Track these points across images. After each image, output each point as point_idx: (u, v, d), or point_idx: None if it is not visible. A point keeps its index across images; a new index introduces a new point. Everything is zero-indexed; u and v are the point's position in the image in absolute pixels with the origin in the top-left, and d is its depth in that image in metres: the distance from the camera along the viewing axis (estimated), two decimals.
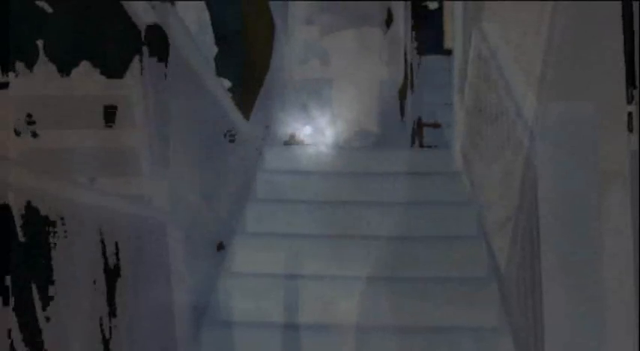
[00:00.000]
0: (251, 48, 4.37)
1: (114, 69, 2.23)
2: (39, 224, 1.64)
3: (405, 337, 2.89)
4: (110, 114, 2.21)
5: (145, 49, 2.34)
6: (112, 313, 2.02)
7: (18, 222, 1.55)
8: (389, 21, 4.48)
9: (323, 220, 3.53)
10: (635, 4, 1.95)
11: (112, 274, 2.03)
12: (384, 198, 3.74)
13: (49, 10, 1.96)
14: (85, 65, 2.10)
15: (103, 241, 1.97)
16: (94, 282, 1.92)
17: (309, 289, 3.09)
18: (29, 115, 1.89)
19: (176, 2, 3.24)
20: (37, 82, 1.96)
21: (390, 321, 2.96)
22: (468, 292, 3.07)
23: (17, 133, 1.85)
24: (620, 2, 1.96)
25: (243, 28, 4.30)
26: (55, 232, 1.70)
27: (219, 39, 4.09)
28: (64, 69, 2.03)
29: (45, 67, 1.97)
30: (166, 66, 2.55)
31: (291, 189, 3.84)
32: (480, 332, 2.89)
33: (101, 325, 1.95)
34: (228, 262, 3.28)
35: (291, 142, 4.43)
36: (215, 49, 3.98)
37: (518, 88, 2.63)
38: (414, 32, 4.95)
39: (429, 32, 5.36)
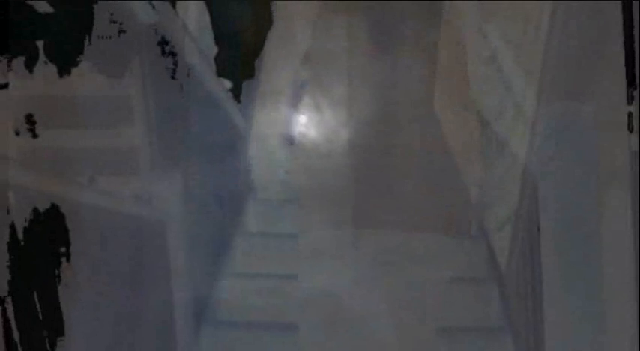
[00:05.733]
0: (252, 47, 4.36)
1: (114, 69, 2.23)
2: (39, 224, 1.64)
3: (406, 337, 2.89)
4: (110, 114, 2.21)
5: (144, 49, 2.34)
6: (112, 313, 2.02)
7: (17, 222, 1.55)
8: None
9: (323, 219, 3.52)
10: (635, 4, 1.95)
11: (112, 274, 2.03)
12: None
13: (49, 10, 1.96)
14: (85, 65, 2.10)
15: (102, 241, 1.97)
16: (94, 282, 1.92)
17: (309, 288, 3.08)
18: (29, 115, 1.89)
19: (176, 2, 3.23)
20: (37, 82, 1.96)
21: (391, 321, 2.95)
22: (468, 292, 3.06)
23: (17, 133, 1.85)
24: (620, 2, 1.95)
25: (244, 28, 4.29)
26: (54, 233, 1.70)
27: (219, 39, 4.08)
28: (64, 69, 2.03)
29: (45, 67, 1.97)
30: (166, 66, 2.55)
31: (294, 188, 3.83)
32: (480, 332, 2.88)
33: (101, 324, 1.95)
34: (229, 262, 3.27)
35: (293, 140, 4.41)
36: (215, 49, 3.97)
37: (518, 88, 2.63)
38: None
39: None
